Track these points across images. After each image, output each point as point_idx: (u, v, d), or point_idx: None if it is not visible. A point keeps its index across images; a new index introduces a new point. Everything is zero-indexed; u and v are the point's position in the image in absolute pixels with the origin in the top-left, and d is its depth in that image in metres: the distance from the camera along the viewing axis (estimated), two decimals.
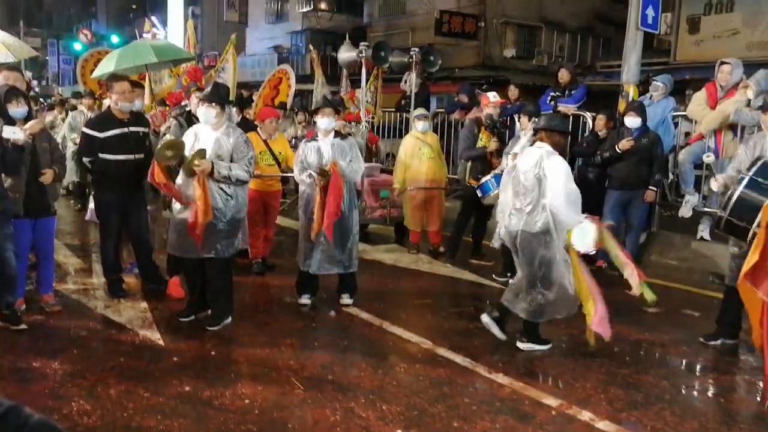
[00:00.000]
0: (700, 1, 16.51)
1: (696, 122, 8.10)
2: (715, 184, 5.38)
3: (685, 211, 7.98)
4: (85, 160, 6.09)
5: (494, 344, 5.36)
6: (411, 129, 9.20)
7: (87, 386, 4.26)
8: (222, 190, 5.29)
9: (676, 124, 8.70)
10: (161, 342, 5.11)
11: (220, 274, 5.46)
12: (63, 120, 11.90)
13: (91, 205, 7.13)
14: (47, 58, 44.41)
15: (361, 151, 8.47)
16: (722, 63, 7.74)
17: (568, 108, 9.19)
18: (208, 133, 5.33)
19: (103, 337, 5.24)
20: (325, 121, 6.03)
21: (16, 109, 5.15)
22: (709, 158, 6.85)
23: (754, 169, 4.56)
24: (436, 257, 8.37)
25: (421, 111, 8.90)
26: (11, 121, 5.08)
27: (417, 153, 8.41)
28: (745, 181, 4.52)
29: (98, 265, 6.75)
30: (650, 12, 8.76)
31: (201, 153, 5.14)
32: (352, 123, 9.97)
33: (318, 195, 5.82)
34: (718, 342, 5.42)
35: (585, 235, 4.96)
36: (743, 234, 4.58)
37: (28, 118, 5.26)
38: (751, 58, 14.85)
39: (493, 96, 8.14)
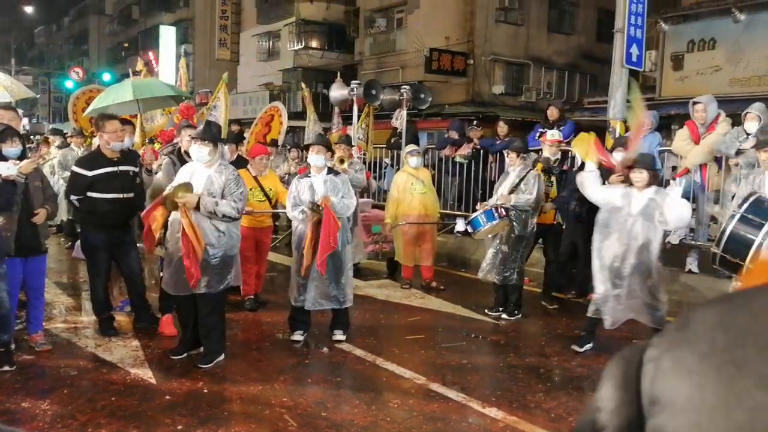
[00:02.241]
0: (684, 39, 16.87)
1: (681, 157, 8.22)
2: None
3: (673, 239, 8.08)
4: (73, 198, 6.07)
5: (487, 379, 5.37)
6: (402, 165, 9.25)
7: (77, 427, 4.22)
8: (214, 226, 5.31)
9: (662, 159, 8.83)
10: (153, 380, 5.07)
11: (212, 312, 5.45)
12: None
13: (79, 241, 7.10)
14: (38, 95, 44.59)
15: (362, 187, 8.51)
16: (695, 103, 7.91)
17: None
18: (200, 171, 5.37)
19: (94, 377, 5.17)
20: (315, 158, 6.10)
21: (10, 148, 5.19)
22: (714, 210, 6.94)
23: (745, 205, 4.64)
24: (428, 292, 8.39)
25: (413, 147, 8.96)
26: (2, 159, 5.11)
27: (409, 188, 8.46)
28: (736, 218, 4.60)
29: (88, 303, 6.70)
30: (634, 50, 8.96)
31: (186, 186, 5.17)
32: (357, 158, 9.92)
33: (309, 231, 5.86)
34: None
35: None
36: (737, 269, 4.64)
37: (21, 156, 5.29)
38: (734, 93, 15.14)
39: (551, 135, 8.16)
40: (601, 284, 5.90)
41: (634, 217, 5.75)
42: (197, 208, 5.18)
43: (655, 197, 5.74)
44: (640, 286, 5.76)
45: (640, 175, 5.77)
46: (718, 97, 9.01)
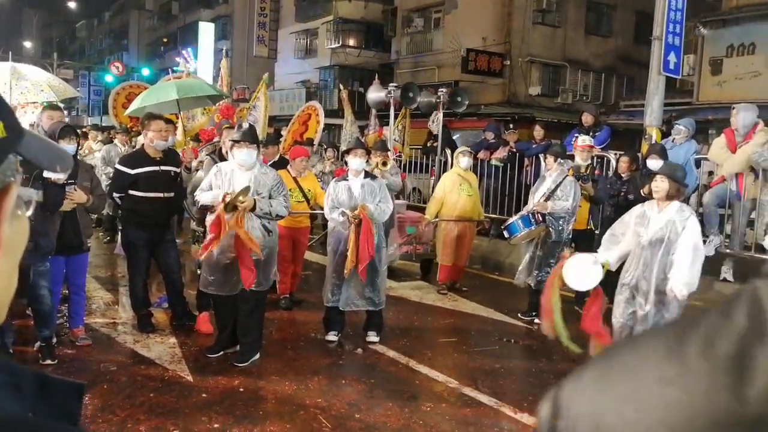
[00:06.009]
0: (723, 44, 16.60)
1: (718, 165, 8.15)
2: None
3: (709, 250, 7.99)
4: (115, 195, 6.23)
5: (519, 384, 5.39)
6: (453, 165, 9.20)
7: (117, 422, 4.33)
8: (263, 226, 5.43)
9: (698, 164, 8.75)
10: (190, 378, 5.17)
11: (254, 310, 5.54)
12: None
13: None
14: (78, 89, 45.35)
15: (398, 190, 8.55)
16: (734, 108, 7.87)
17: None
18: (242, 173, 5.44)
19: (133, 373, 5.28)
20: (356, 162, 6.16)
21: (67, 146, 5.34)
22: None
23: None
24: (456, 292, 8.42)
25: (465, 148, 8.94)
26: None
27: (457, 189, 8.43)
28: None
29: (127, 299, 6.85)
30: (672, 58, 8.87)
31: (245, 191, 5.25)
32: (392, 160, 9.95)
33: (352, 233, 5.93)
34: None
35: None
36: None
37: (74, 155, 5.46)
38: None
39: (581, 140, 8.04)
40: None
41: (644, 246, 4.98)
42: (253, 209, 5.29)
43: (676, 218, 4.87)
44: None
45: (662, 184, 4.91)
46: (757, 102, 8.89)
